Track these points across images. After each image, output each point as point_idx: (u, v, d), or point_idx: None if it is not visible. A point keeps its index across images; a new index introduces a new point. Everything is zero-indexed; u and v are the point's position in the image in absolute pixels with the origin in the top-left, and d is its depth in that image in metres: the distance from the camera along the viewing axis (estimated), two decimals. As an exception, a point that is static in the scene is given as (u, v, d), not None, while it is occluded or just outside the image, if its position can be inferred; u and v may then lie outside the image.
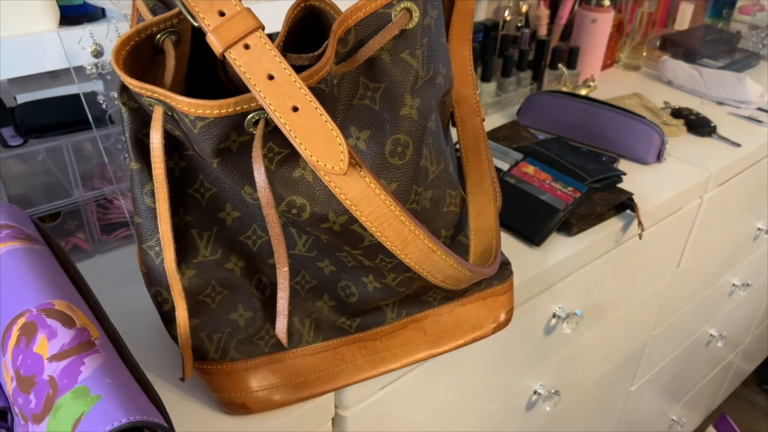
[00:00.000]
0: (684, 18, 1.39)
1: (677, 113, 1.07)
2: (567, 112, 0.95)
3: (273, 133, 0.40)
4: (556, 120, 0.96)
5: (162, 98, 0.38)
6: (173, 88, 0.40)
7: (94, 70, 0.64)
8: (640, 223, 0.78)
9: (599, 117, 0.93)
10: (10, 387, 0.39)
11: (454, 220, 0.53)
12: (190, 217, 0.48)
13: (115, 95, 0.65)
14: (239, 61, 0.36)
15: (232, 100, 0.38)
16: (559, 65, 1.09)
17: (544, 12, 1.13)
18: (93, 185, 0.68)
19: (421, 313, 0.56)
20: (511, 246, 0.74)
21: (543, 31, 1.15)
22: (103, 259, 0.70)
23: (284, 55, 0.38)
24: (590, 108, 0.94)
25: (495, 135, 0.93)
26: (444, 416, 0.74)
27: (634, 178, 0.88)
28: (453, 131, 0.87)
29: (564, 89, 1.10)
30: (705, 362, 1.49)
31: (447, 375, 0.69)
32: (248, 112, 0.39)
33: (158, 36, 0.41)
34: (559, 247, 0.75)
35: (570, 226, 0.76)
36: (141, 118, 0.45)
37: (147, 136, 0.45)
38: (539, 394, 0.90)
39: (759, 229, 1.26)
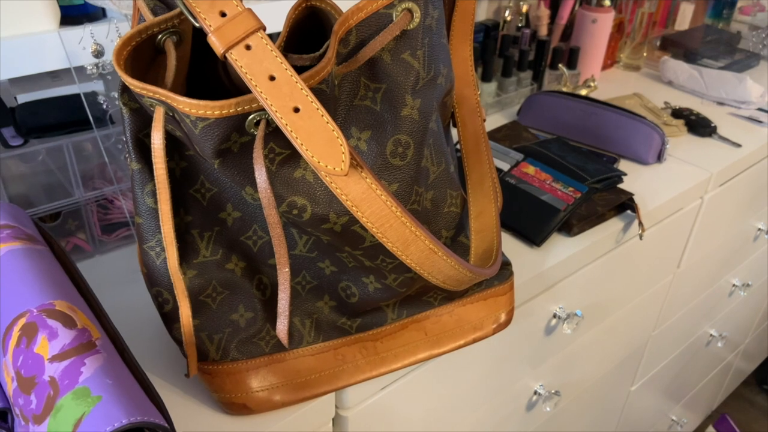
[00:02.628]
0: (684, 18, 1.39)
1: (677, 113, 1.07)
2: (567, 112, 0.95)
3: (274, 133, 0.40)
4: (557, 120, 0.96)
5: (163, 99, 0.38)
6: (174, 89, 0.40)
7: (94, 70, 0.64)
8: (640, 223, 0.78)
9: (599, 117, 0.93)
10: (10, 387, 0.39)
11: (455, 220, 0.53)
12: (190, 217, 0.47)
13: (116, 95, 0.65)
14: (240, 61, 0.36)
15: (233, 100, 0.38)
16: (560, 65, 1.09)
17: (545, 12, 1.13)
18: (93, 185, 0.68)
19: (422, 313, 0.56)
20: (511, 246, 0.74)
21: (543, 32, 1.15)
22: (103, 260, 0.70)
23: (285, 56, 0.38)
24: (590, 108, 0.94)
25: (495, 135, 0.93)
26: (444, 416, 0.74)
27: (635, 179, 0.89)
28: (453, 131, 0.87)
29: (564, 89, 1.10)
30: (705, 362, 1.49)
31: (447, 375, 0.69)
32: (249, 113, 0.38)
33: (159, 36, 0.41)
34: (560, 247, 0.75)
35: (570, 227, 0.76)
36: (142, 119, 0.45)
37: (148, 136, 0.45)
38: (539, 394, 0.90)
39: (759, 229, 1.26)
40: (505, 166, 0.82)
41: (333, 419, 0.60)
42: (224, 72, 0.47)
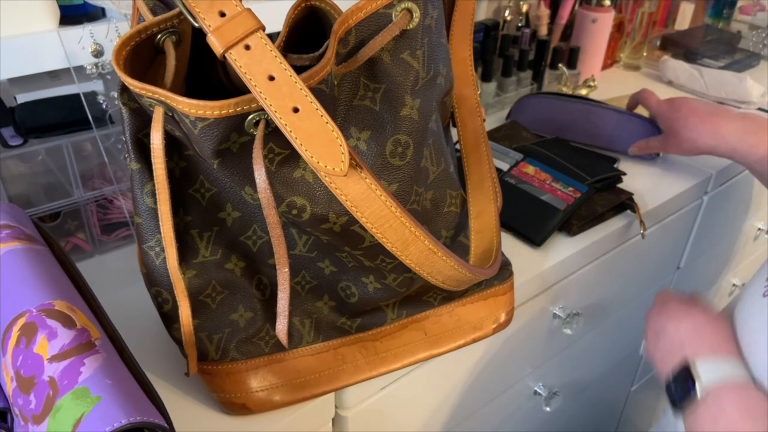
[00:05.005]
0: (684, 18, 1.38)
1: (678, 113, 1.06)
2: (560, 111, 0.94)
3: (273, 133, 0.40)
4: (550, 120, 0.95)
5: (162, 99, 0.38)
6: (173, 89, 0.40)
7: (94, 70, 0.63)
8: (641, 222, 0.78)
9: (592, 115, 0.92)
10: (10, 387, 0.39)
11: (455, 220, 0.53)
12: (190, 217, 0.47)
13: (115, 95, 0.65)
14: (240, 61, 0.36)
15: (232, 101, 0.38)
16: (560, 65, 1.09)
17: (545, 12, 1.13)
18: (93, 185, 0.68)
19: (422, 313, 0.56)
20: (511, 246, 0.74)
21: (543, 31, 1.15)
22: (103, 259, 0.70)
23: (285, 56, 0.38)
24: (584, 107, 0.93)
25: (495, 135, 0.93)
26: (444, 416, 0.74)
27: (635, 178, 0.88)
28: (453, 131, 0.87)
29: (564, 89, 1.09)
30: (705, 362, 1.49)
31: (447, 375, 0.69)
32: (249, 113, 0.38)
33: (159, 36, 0.41)
34: (560, 247, 0.75)
35: (570, 227, 0.76)
36: (141, 118, 0.45)
37: (147, 136, 0.45)
38: (539, 394, 0.90)
39: (759, 229, 1.26)
40: (505, 166, 0.82)
41: (333, 419, 0.60)
42: (224, 72, 0.47)
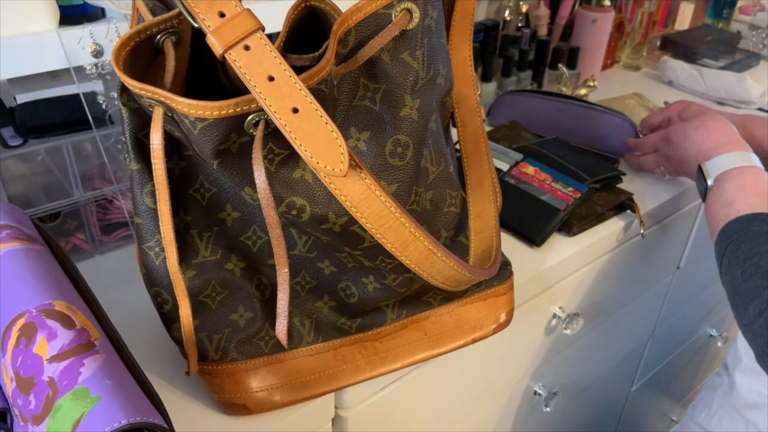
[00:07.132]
0: (684, 18, 1.39)
1: (677, 113, 1.06)
2: (537, 110, 0.94)
3: (273, 134, 0.40)
4: (528, 119, 0.95)
5: (162, 99, 0.38)
6: (173, 89, 0.40)
7: (94, 70, 0.63)
8: (641, 222, 0.78)
9: (570, 113, 0.92)
10: (9, 388, 0.39)
11: (455, 220, 0.53)
12: (190, 217, 0.47)
13: (115, 95, 0.65)
14: (239, 62, 0.36)
15: (232, 101, 0.38)
16: (560, 65, 1.09)
17: (545, 12, 1.13)
18: (93, 185, 0.68)
19: (422, 313, 0.56)
20: (511, 246, 0.74)
21: (543, 31, 1.15)
22: (102, 260, 0.70)
23: (284, 56, 0.38)
24: (560, 105, 0.93)
25: (495, 135, 0.93)
26: (444, 417, 0.74)
27: (634, 179, 0.88)
28: (453, 131, 0.87)
29: (564, 89, 1.09)
30: (705, 362, 1.49)
31: (447, 375, 0.69)
32: (248, 114, 0.38)
33: (158, 36, 0.41)
34: (560, 247, 0.75)
35: (570, 227, 0.76)
36: (141, 119, 0.45)
37: (147, 136, 0.45)
38: (539, 394, 0.90)
39: (759, 229, 1.26)
40: (505, 166, 0.82)
41: (332, 419, 0.60)
42: (223, 72, 0.47)
